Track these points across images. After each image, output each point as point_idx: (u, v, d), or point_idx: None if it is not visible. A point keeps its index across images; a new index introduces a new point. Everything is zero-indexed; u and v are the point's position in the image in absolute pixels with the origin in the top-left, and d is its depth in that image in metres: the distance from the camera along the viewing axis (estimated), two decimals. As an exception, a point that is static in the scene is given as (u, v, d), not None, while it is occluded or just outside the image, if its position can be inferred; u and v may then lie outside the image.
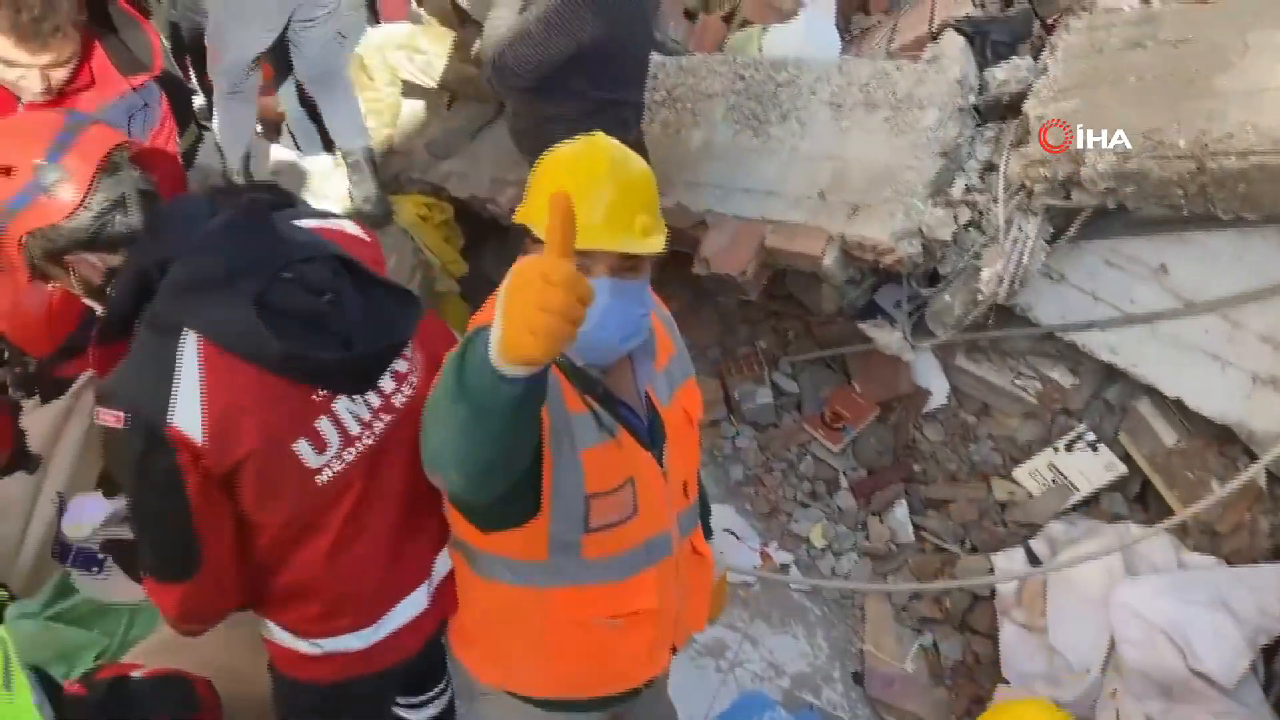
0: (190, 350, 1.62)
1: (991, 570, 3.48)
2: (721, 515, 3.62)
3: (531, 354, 1.15)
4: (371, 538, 1.86)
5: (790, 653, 3.42)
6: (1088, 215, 3.15)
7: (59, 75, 2.28)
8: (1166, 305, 3.36)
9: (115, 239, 1.70)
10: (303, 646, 1.91)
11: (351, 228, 1.96)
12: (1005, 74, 3.37)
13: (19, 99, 2.33)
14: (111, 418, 1.60)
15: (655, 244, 1.62)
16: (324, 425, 1.75)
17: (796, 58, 3.82)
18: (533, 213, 1.63)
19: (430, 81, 4.24)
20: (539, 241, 1.55)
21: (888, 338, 3.52)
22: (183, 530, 1.65)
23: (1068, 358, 3.68)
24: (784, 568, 3.64)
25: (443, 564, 1.98)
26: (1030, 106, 3.17)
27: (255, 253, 1.70)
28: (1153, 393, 3.50)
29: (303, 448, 1.72)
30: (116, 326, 1.71)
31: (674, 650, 1.99)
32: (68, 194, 1.66)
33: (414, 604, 1.95)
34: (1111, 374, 3.63)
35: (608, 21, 2.88)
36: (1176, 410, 3.46)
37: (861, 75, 3.56)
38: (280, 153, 4.72)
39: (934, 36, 3.68)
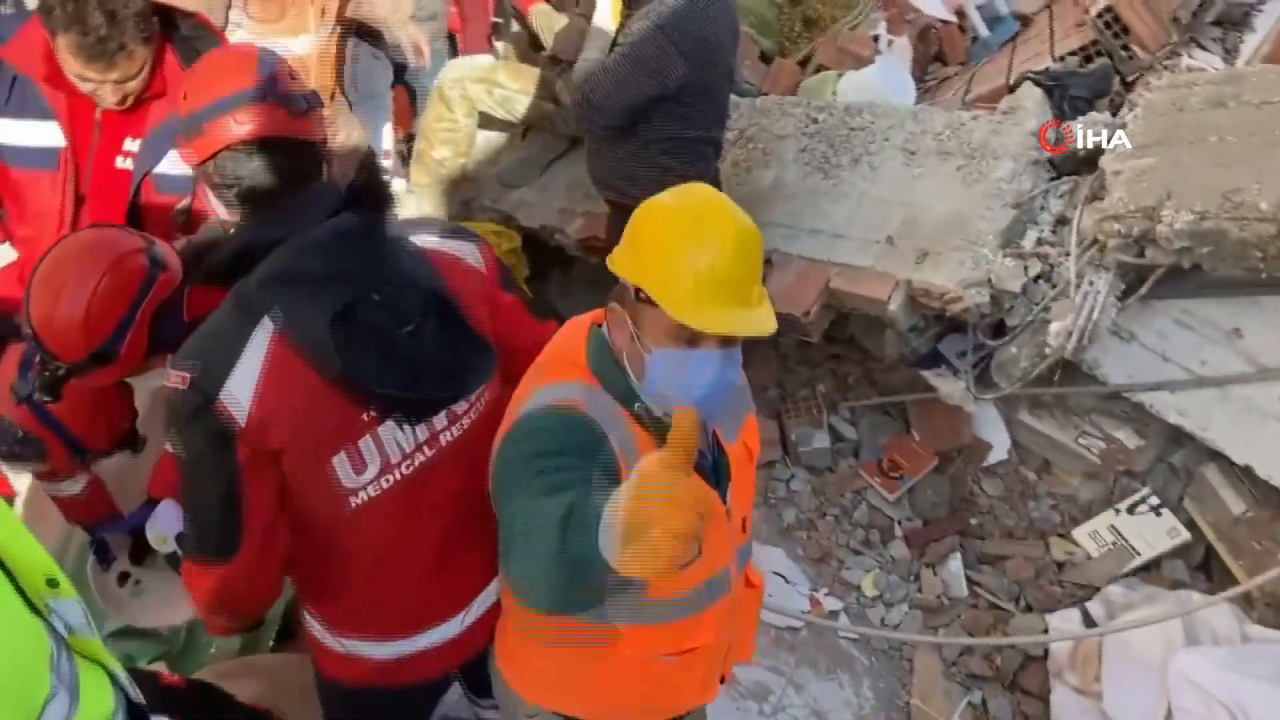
0: (262, 338, 1.66)
1: (1045, 631, 3.40)
2: (772, 558, 3.60)
3: (652, 573, 1.14)
4: (405, 566, 1.87)
5: (835, 701, 3.36)
6: (1161, 274, 3.11)
7: (132, 86, 2.38)
8: (1239, 369, 3.29)
9: (229, 201, 1.83)
10: (329, 641, 1.95)
11: (471, 257, 1.93)
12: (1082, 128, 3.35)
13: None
14: (178, 378, 1.67)
15: (770, 321, 1.55)
16: (366, 445, 1.76)
17: (870, 103, 3.83)
18: (639, 269, 1.53)
19: (507, 115, 4.30)
20: (646, 301, 1.51)
21: (950, 387, 3.48)
22: (229, 500, 1.69)
23: (1134, 418, 3.61)
24: (833, 615, 3.59)
25: (483, 600, 1.99)
26: (1106, 161, 3.14)
27: (354, 266, 1.72)
28: (1221, 459, 3.42)
29: (340, 462, 1.74)
30: (216, 277, 1.81)
31: (722, 680, 1.97)
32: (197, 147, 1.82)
33: (443, 632, 1.96)
34: (1178, 437, 3.55)
35: (694, 63, 2.92)
36: (1245, 478, 3.37)
37: (936, 124, 3.57)
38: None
39: (1011, 89, 3.68)
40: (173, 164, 2.58)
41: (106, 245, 1.89)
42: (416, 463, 1.82)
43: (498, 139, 4.59)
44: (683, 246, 1.49)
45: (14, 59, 2.38)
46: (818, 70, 4.78)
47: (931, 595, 3.61)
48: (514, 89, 4.33)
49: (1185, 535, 3.48)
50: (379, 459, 1.77)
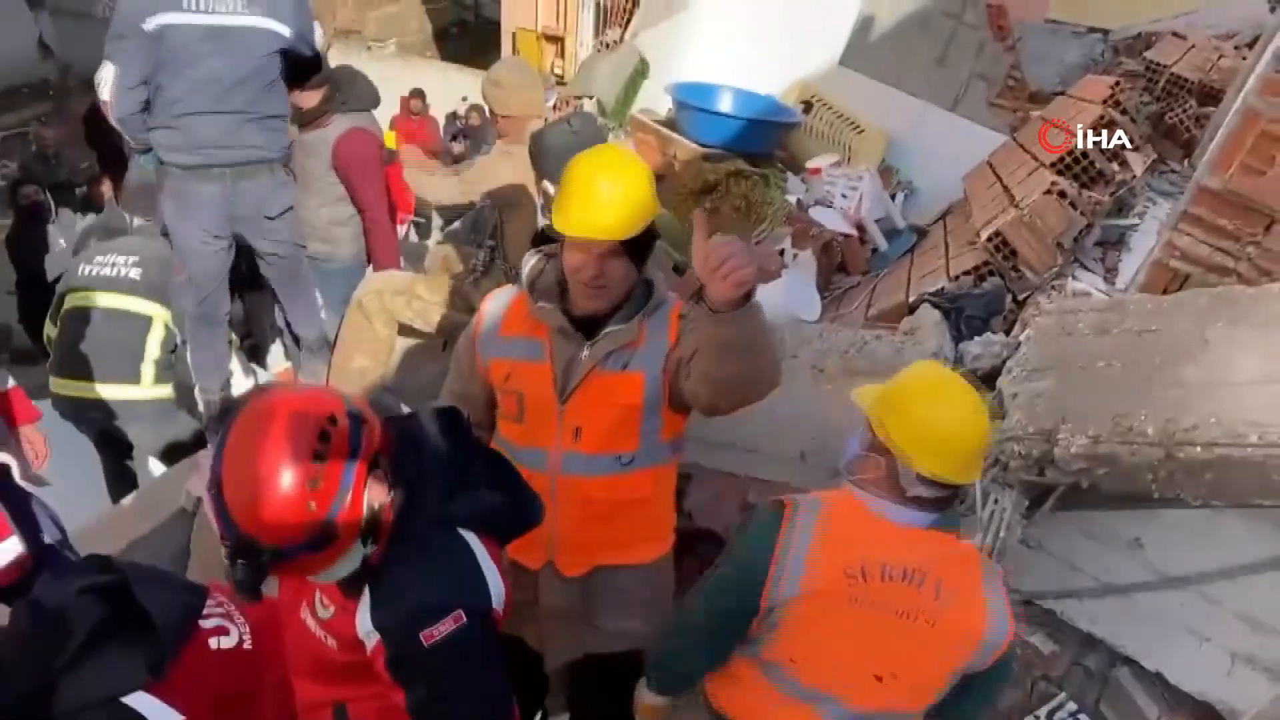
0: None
1: None
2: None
3: None
4: None
5: None
6: (1063, 490, 3.23)
7: None
8: (1142, 578, 3.39)
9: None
10: None
11: None
12: (979, 349, 3.52)
13: None
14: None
15: None
16: None
17: (779, 321, 3.98)
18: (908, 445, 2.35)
19: (426, 326, 4.38)
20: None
21: (868, 599, 3.51)
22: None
23: (1048, 624, 3.68)
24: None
25: None
26: (1004, 384, 3.30)
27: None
28: (1133, 664, 3.49)
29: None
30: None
31: None
32: None
33: None
34: (1092, 642, 3.62)
35: None
36: (1159, 683, 3.44)
37: (841, 343, 3.71)
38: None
39: (911, 308, 3.86)
40: None
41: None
42: None
43: (418, 351, 4.65)
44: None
45: None
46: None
47: (860, 815, 3.54)
48: (433, 301, 4.42)
49: (1104, 743, 3.51)
50: None
